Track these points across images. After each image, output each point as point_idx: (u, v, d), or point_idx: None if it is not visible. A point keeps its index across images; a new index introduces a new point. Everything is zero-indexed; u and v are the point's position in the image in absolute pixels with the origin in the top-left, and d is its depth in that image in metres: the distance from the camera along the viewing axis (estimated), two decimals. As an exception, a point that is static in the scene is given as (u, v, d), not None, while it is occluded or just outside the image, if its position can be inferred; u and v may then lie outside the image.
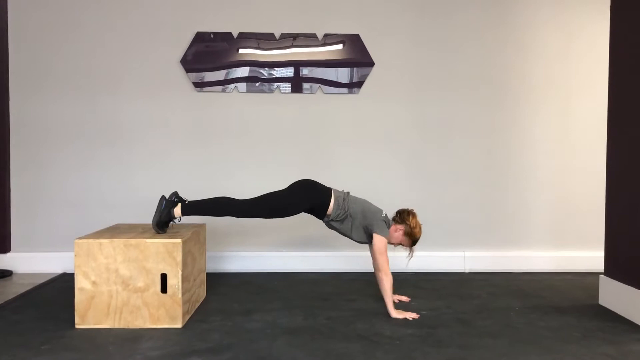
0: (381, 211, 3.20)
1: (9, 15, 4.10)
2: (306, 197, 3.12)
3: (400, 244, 3.24)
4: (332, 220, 3.16)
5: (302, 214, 3.24)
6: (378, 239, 3.10)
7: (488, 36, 4.21)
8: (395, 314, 3.02)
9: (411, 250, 3.27)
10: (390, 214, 3.26)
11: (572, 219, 4.25)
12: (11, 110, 4.12)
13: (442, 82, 4.21)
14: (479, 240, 4.24)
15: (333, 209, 3.12)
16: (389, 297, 3.05)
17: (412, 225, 3.16)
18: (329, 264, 4.15)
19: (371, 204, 3.22)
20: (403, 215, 3.19)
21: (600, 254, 3.48)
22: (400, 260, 4.15)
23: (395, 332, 2.79)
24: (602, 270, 3.39)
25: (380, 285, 3.07)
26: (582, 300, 3.42)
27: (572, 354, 2.53)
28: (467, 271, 4.19)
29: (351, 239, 3.25)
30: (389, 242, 3.20)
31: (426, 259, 4.17)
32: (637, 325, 2.94)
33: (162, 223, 3.01)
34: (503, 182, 4.25)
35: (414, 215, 3.20)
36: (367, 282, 3.83)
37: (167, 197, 3.04)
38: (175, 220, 3.07)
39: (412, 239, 3.20)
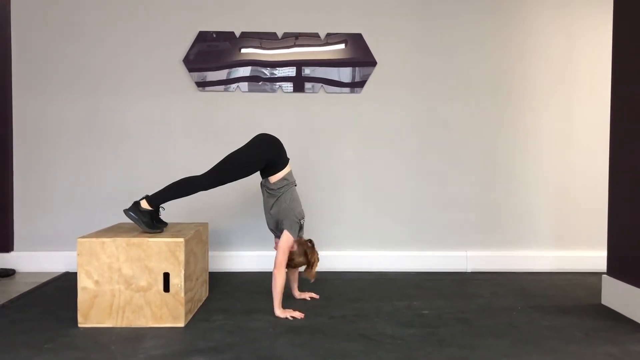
0: (303, 216, 3.19)
1: (12, 15, 4.11)
2: (268, 153, 3.10)
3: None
4: (266, 186, 3.16)
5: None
6: (286, 237, 3.08)
7: (490, 37, 4.21)
8: (279, 312, 3.02)
9: (295, 268, 3.29)
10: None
11: (575, 219, 4.25)
12: (14, 109, 4.13)
13: (445, 83, 4.21)
14: (481, 240, 4.24)
15: (278, 180, 3.13)
16: (278, 295, 3.04)
17: (308, 253, 3.17)
18: (331, 263, 4.15)
19: (300, 206, 3.19)
20: (310, 243, 3.21)
21: (603, 253, 3.47)
22: (403, 259, 4.17)
23: (397, 331, 2.79)
24: (605, 270, 3.39)
25: (273, 282, 3.04)
26: (585, 300, 3.42)
27: (574, 353, 2.53)
28: (469, 271, 4.19)
29: (265, 214, 3.23)
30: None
31: (428, 259, 4.18)
32: (639, 324, 2.94)
33: (150, 223, 3.00)
34: (505, 182, 4.25)
35: (315, 253, 3.19)
36: (370, 281, 3.83)
37: (127, 208, 3.03)
38: (161, 210, 3.08)
39: (295, 257, 3.17)
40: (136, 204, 3.02)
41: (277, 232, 3.19)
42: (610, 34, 3.44)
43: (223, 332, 2.77)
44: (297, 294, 3.41)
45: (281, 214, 3.13)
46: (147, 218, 3.01)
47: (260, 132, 4.03)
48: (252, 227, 4.16)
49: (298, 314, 3.03)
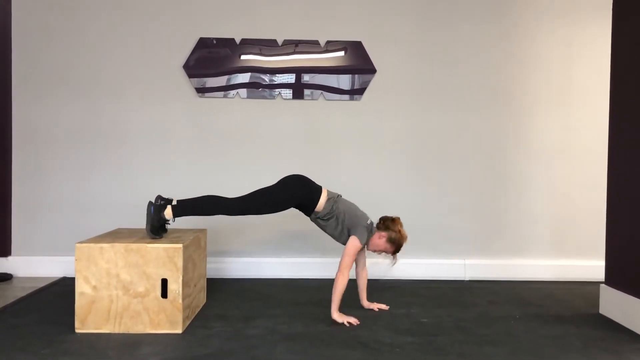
0: (367, 217, 3.19)
1: (13, 20, 4.12)
2: (298, 193, 3.12)
3: (384, 251, 3.22)
4: (318, 217, 3.17)
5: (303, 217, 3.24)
6: (352, 241, 3.09)
7: (491, 46, 4.23)
8: (336, 316, 3.02)
9: (394, 257, 3.26)
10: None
11: (573, 228, 4.25)
12: (14, 114, 4.14)
13: (444, 90, 4.22)
14: (480, 248, 4.24)
15: (324, 207, 3.13)
16: (337, 298, 3.04)
17: (397, 230, 3.15)
18: (329, 271, 4.13)
19: (358, 209, 3.22)
20: (387, 223, 3.18)
21: (601, 262, 3.47)
22: (402, 267, 4.16)
23: (395, 339, 2.78)
24: (603, 279, 3.39)
25: (334, 284, 3.05)
26: (583, 309, 3.42)
27: (572, 363, 2.53)
28: (467, 279, 4.19)
29: (333, 237, 3.25)
30: (372, 250, 3.22)
31: (426, 267, 4.18)
32: (637, 334, 2.94)
33: (156, 228, 3.00)
34: (504, 190, 4.26)
35: (399, 222, 3.19)
36: (368, 288, 3.82)
37: (154, 202, 3.02)
38: (170, 222, 3.07)
39: (396, 246, 3.18)
40: (162, 206, 3.01)
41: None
42: (610, 45, 3.45)
43: (221, 339, 2.76)
44: (366, 304, 3.35)
45: (348, 225, 3.14)
46: (159, 224, 3.01)
47: (260, 138, 4.03)
48: (251, 234, 4.16)
49: (354, 320, 3.01)
